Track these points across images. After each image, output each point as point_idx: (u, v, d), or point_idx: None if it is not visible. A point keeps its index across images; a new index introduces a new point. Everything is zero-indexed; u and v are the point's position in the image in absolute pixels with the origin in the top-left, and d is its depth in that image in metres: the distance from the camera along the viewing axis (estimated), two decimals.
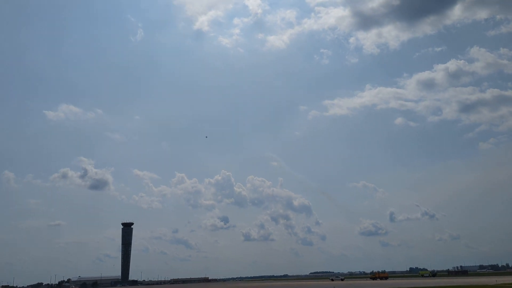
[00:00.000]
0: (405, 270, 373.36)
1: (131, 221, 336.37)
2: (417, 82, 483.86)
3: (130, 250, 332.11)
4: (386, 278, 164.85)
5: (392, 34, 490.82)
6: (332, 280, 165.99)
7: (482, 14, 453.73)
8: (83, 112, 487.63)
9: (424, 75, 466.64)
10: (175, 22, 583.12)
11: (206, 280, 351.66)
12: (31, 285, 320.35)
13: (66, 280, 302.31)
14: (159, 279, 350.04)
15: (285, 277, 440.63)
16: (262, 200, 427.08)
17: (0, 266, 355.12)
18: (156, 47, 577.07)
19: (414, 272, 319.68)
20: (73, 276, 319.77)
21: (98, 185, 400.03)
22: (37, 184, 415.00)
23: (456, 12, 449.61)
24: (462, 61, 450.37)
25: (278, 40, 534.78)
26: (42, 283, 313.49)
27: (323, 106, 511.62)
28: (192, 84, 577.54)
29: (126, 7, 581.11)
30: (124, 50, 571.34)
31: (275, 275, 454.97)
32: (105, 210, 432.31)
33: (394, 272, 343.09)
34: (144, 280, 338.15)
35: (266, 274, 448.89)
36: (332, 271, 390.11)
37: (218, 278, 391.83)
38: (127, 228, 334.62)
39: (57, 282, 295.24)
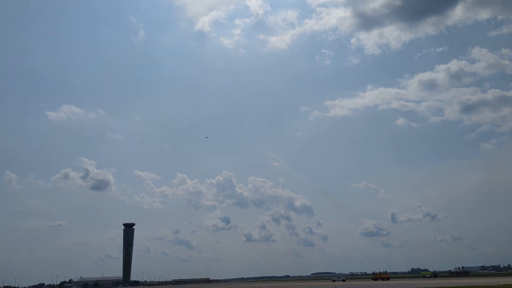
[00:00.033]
0: (407, 271, 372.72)
1: (133, 222, 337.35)
2: (418, 83, 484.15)
3: (132, 251, 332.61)
4: (387, 279, 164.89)
5: (393, 34, 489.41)
6: (334, 281, 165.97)
7: (483, 14, 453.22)
8: (85, 112, 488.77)
9: (426, 75, 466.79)
10: (176, 23, 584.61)
11: (207, 280, 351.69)
12: (33, 286, 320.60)
13: (67, 280, 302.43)
14: (161, 280, 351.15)
15: (286, 278, 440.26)
16: (263, 201, 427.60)
17: (2, 267, 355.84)
18: (157, 48, 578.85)
19: (416, 273, 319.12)
20: (75, 277, 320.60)
21: (99, 185, 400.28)
22: (38, 184, 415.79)
23: (458, 13, 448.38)
24: (463, 61, 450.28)
25: (280, 41, 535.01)
26: (44, 284, 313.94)
27: (324, 106, 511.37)
28: (194, 84, 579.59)
29: (128, 8, 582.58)
30: (125, 50, 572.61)
31: (277, 276, 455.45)
32: (106, 211, 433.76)
33: (395, 273, 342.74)
34: (145, 281, 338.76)
35: (267, 275, 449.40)
36: (333, 272, 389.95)
37: (220, 278, 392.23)
38: (128, 229, 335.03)
39: (58, 283, 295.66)
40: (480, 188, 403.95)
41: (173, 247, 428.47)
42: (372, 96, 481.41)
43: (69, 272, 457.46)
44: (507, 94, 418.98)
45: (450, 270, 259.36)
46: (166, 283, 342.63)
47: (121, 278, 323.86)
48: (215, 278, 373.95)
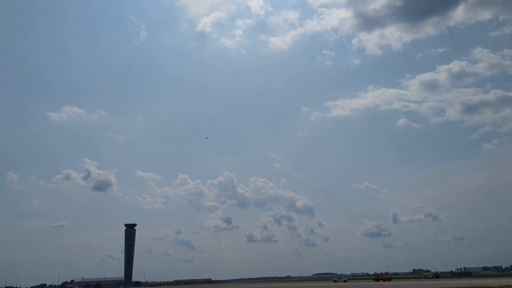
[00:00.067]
0: (408, 271, 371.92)
1: (134, 222, 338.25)
2: (420, 83, 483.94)
3: (133, 251, 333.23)
4: (389, 279, 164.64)
5: (394, 35, 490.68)
6: (335, 281, 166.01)
7: (485, 15, 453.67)
8: (86, 113, 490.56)
9: (427, 76, 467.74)
10: (178, 24, 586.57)
11: (209, 281, 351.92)
12: (35, 286, 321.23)
13: (69, 281, 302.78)
14: (162, 280, 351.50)
15: (288, 279, 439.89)
16: (265, 201, 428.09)
17: (4, 267, 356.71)
18: (158, 49, 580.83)
19: (417, 274, 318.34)
20: (76, 277, 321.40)
21: (101, 186, 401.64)
22: (40, 185, 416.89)
23: (459, 13, 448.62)
24: (465, 62, 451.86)
25: (281, 42, 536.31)
26: (46, 284, 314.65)
27: (325, 107, 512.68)
28: (195, 85, 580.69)
29: (129, 8, 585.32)
30: (127, 51, 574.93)
31: (278, 276, 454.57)
32: (108, 211, 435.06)
33: (397, 274, 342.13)
34: (147, 281, 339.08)
35: (269, 276, 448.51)
36: (335, 272, 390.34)
37: (221, 279, 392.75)
38: (130, 229, 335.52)
39: (60, 283, 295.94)
40: (482, 189, 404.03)
41: (175, 247, 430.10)
42: (374, 96, 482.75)
43: (70, 272, 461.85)
44: (509, 94, 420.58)
45: (451, 270, 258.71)
46: (167, 283, 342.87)
47: (123, 279, 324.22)
48: (216, 279, 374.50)
